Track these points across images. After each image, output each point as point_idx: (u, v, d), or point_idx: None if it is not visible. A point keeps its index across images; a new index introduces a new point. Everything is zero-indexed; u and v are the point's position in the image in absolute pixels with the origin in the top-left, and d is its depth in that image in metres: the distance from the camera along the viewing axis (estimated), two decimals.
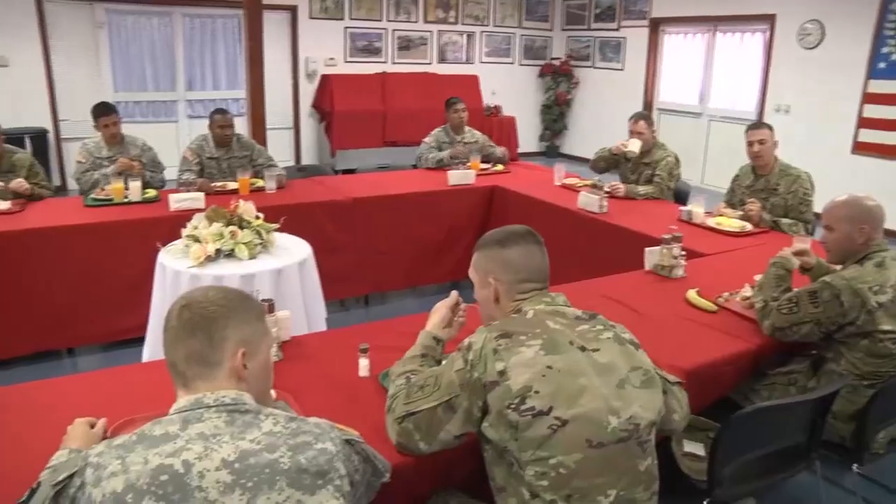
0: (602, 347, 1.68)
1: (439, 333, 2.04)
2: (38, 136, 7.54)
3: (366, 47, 9.61)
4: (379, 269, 4.91)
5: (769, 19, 8.16)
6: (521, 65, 11.01)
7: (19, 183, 4.32)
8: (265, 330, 1.49)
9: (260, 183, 4.75)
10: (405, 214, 4.92)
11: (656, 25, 9.68)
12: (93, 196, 4.42)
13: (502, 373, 1.57)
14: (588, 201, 4.42)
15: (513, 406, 1.55)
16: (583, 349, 1.65)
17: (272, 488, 1.24)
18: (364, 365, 2.22)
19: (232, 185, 4.68)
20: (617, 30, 10.20)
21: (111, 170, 4.49)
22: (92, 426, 1.77)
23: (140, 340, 3.60)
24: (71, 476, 1.31)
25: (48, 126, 7.80)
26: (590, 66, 10.75)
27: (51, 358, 4.12)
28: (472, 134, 5.94)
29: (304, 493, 1.27)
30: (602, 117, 10.34)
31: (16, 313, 3.91)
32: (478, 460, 1.68)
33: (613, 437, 1.57)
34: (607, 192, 4.61)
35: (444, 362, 1.79)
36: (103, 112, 4.66)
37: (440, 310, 2.08)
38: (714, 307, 2.85)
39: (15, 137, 6.37)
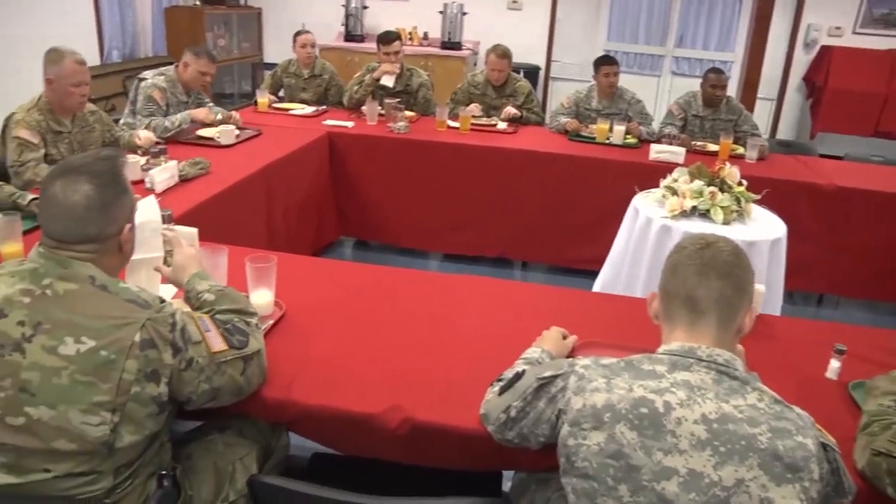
0: None
1: None
2: (531, 72, 8.21)
3: (884, 17, 8.27)
4: (843, 269, 4.39)
5: None
6: None
7: (507, 112, 4.92)
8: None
9: (740, 150, 4.56)
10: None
11: None
12: (577, 132, 4.74)
13: None
14: None
15: None
16: None
17: (742, 462, 1.18)
18: (835, 367, 1.99)
19: (712, 147, 4.58)
20: None
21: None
22: (564, 337, 1.89)
23: (583, 272, 3.88)
24: (555, 377, 1.40)
25: (541, 64, 8.46)
26: None
27: (506, 265, 4.67)
28: None
29: (770, 480, 1.18)
30: None
31: (491, 220, 4.48)
32: None
33: None
34: None
35: None
36: (605, 62, 4.85)
37: None
38: None
39: (513, 70, 7.06)
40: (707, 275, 1.35)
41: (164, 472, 1.53)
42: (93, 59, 6.26)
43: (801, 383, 1.94)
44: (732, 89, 5.90)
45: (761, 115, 8.40)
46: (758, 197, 3.31)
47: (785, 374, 1.98)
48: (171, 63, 5.05)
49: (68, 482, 1.39)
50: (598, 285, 3.53)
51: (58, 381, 1.35)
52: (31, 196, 2.70)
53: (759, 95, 7.66)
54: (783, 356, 2.09)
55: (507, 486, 1.90)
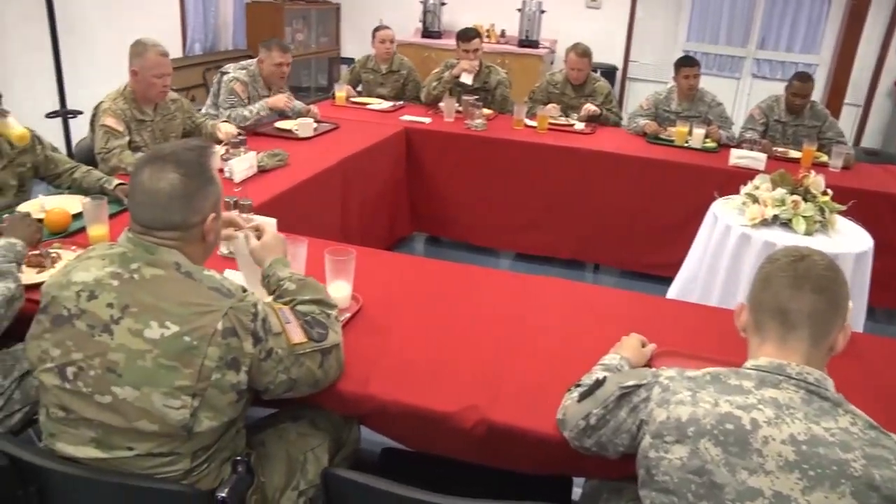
0: None
1: None
2: (609, 73, 8.08)
3: None
4: None
5: None
6: None
7: (586, 109, 4.87)
8: None
9: (823, 158, 4.40)
10: None
11: None
12: (655, 135, 4.66)
13: None
14: None
15: None
16: None
17: (833, 489, 1.12)
18: None
19: (794, 154, 4.43)
20: None
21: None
22: (643, 345, 1.85)
23: (655, 278, 3.88)
24: (638, 386, 1.37)
25: (619, 64, 8.32)
26: None
27: (578, 267, 4.62)
28: None
29: None
30: None
31: (565, 221, 4.46)
32: None
33: None
34: None
35: None
36: (685, 63, 4.75)
37: None
38: None
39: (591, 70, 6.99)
40: (801, 287, 1.29)
41: (238, 458, 1.55)
42: (175, 51, 6.45)
43: (892, 408, 1.84)
44: (817, 94, 5.72)
45: (846, 121, 8.08)
46: (843, 208, 3.18)
47: (873, 396, 1.86)
48: (250, 56, 5.16)
49: (149, 461, 1.43)
50: (674, 292, 3.45)
51: (142, 363, 1.38)
52: (116, 181, 2.79)
53: (845, 100, 7.39)
54: (869, 377, 1.98)
55: (576, 493, 1.88)
